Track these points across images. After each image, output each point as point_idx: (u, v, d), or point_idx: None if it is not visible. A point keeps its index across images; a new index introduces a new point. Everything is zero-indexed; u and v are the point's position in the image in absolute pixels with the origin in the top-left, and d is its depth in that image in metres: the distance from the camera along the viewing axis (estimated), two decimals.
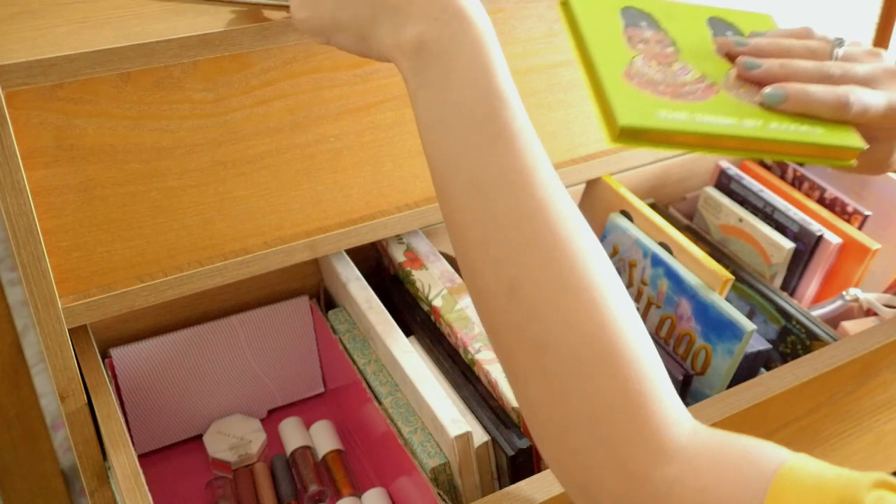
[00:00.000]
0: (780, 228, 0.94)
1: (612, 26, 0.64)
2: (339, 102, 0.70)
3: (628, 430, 0.44)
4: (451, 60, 0.49)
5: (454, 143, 0.49)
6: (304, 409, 0.91)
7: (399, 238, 0.86)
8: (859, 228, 0.94)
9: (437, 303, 0.79)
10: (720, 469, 0.43)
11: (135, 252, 0.67)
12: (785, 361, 0.78)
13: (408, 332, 0.80)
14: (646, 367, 0.45)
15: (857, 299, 0.88)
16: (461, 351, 0.76)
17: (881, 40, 1.06)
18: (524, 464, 0.69)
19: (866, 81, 0.62)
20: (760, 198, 0.96)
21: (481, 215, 0.48)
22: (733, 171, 1.00)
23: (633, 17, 0.66)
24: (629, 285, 0.87)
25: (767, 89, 0.61)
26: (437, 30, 0.50)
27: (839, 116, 0.61)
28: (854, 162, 0.61)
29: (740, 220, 0.95)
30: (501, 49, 0.51)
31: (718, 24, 0.69)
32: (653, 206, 0.98)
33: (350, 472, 0.82)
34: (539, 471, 0.65)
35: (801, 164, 1.00)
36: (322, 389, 0.92)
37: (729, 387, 0.74)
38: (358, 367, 0.80)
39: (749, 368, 0.78)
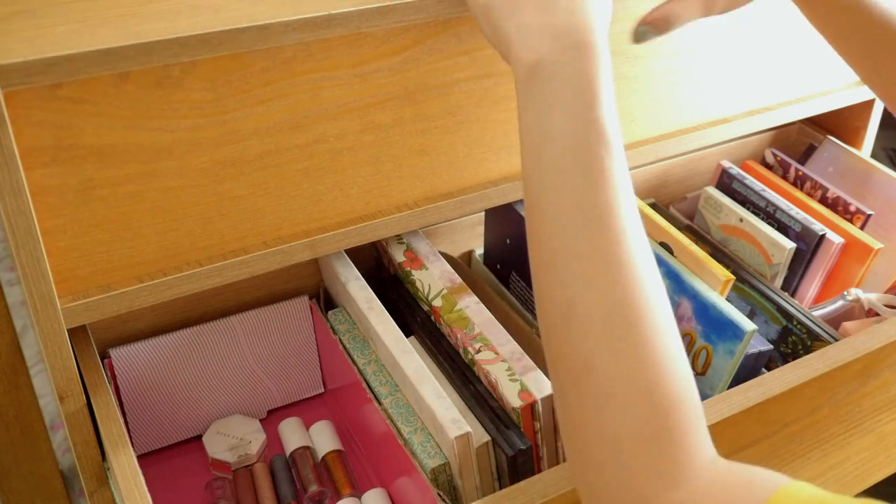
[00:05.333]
0: (783, 228, 0.94)
1: None
2: (339, 102, 0.70)
3: (648, 458, 0.47)
4: (556, 90, 0.51)
5: (545, 169, 0.51)
6: (304, 409, 0.91)
7: (399, 238, 0.86)
8: (861, 228, 0.94)
9: (437, 303, 0.79)
10: (722, 495, 0.45)
11: (134, 252, 0.67)
12: (786, 362, 0.78)
13: (408, 332, 0.79)
14: (678, 401, 0.47)
15: (858, 299, 0.88)
16: (461, 351, 0.76)
17: None
18: (524, 464, 0.69)
19: None
20: (763, 197, 0.96)
21: (557, 242, 0.50)
22: (735, 170, 1.00)
23: None
24: None
25: None
26: (552, 56, 0.52)
27: None
28: None
29: (741, 219, 0.95)
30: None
31: None
32: (653, 205, 0.98)
33: (350, 473, 0.81)
34: (539, 471, 0.65)
35: None
36: (322, 390, 0.92)
37: (730, 387, 0.73)
38: (358, 368, 0.80)
39: (750, 369, 0.78)
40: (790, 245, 0.91)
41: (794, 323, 0.86)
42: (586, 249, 0.49)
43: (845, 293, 0.89)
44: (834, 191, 0.98)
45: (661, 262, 0.83)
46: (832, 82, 0.93)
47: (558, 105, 0.51)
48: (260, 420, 0.88)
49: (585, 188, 0.50)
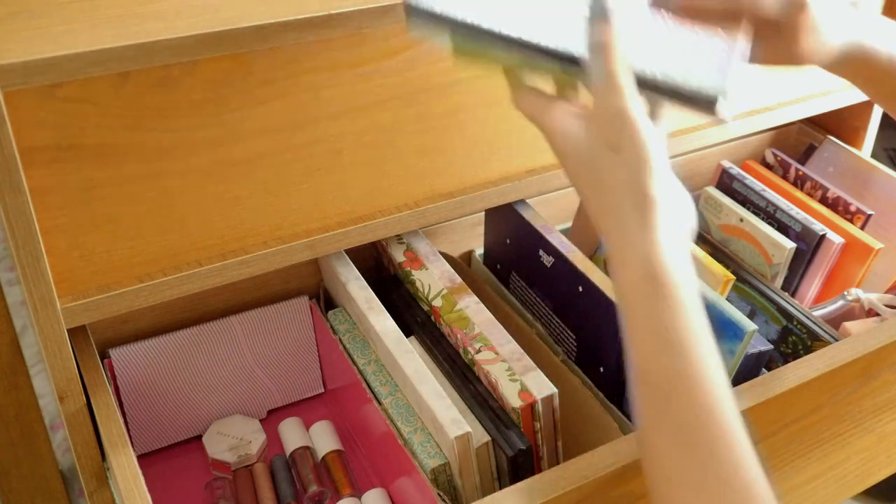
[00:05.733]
0: (783, 228, 0.94)
1: None
2: (339, 102, 0.70)
3: None
4: (634, 332, 0.52)
5: (644, 387, 0.52)
6: (304, 409, 0.91)
7: (399, 238, 0.86)
8: (862, 228, 0.94)
9: (437, 303, 0.79)
10: None
11: (134, 252, 0.67)
12: (786, 362, 0.78)
13: (408, 332, 0.79)
14: None
15: (858, 300, 0.88)
16: (461, 351, 0.76)
17: None
18: (524, 464, 0.69)
19: None
20: (763, 197, 0.96)
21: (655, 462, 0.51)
22: (735, 170, 1.00)
23: None
24: None
25: None
26: (624, 298, 0.53)
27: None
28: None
29: (741, 219, 0.95)
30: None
31: None
32: None
33: (350, 473, 0.81)
34: (539, 471, 0.65)
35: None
36: (322, 390, 0.92)
37: None
38: (358, 368, 0.80)
39: (750, 369, 0.78)
40: (790, 245, 0.91)
41: (795, 323, 0.86)
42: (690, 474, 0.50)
43: (845, 293, 0.89)
44: (834, 191, 0.98)
45: None
46: (832, 82, 0.93)
47: (638, 341, 0.52)
48: (260, 420, 0.88)
49: (684, 422, 0.50)
